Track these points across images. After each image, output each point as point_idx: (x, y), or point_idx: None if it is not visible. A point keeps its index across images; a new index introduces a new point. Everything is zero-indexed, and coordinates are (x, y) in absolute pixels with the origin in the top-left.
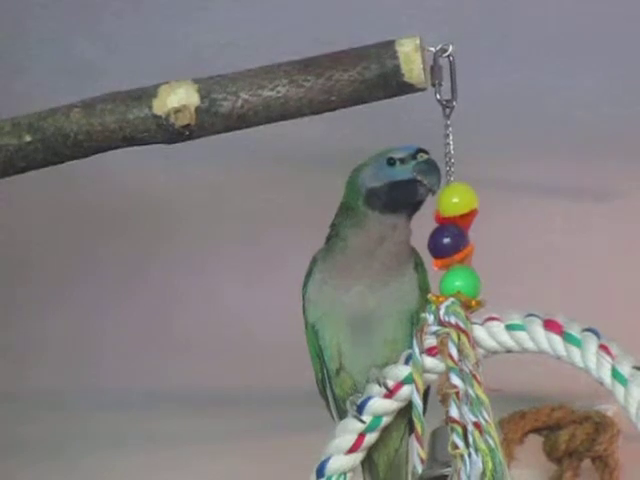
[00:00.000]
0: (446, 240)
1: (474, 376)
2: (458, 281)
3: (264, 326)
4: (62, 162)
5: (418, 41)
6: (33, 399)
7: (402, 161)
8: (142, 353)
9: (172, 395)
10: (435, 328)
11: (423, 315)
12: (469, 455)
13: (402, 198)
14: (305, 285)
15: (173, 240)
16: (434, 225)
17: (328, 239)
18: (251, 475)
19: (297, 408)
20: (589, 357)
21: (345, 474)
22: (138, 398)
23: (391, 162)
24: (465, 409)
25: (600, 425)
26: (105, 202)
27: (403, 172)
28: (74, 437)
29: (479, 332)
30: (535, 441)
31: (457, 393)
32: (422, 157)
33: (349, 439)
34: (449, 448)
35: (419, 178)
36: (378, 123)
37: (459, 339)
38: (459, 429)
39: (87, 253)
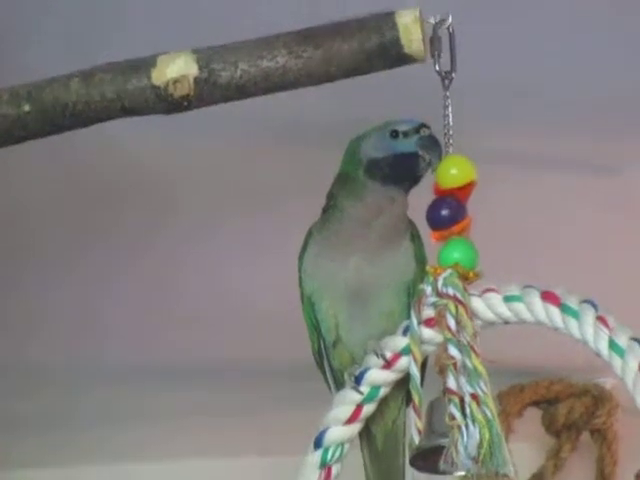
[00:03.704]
0: (444, 212)
1: (472, 347)
2: (456, 253)
3: (265, 299)
4: (61, 132)
5: (418, 13)
6: (31, 373)
7: (405, 134)
8: (143, 326)
9: (173, 368)
10: (433, 299)
11: (421, 287)
12: (466, 426)
13: (403, 171)
14: (301, 257)
15: (175, 213)
16: (432, 197)
17: (325, 210)
18: (251, 447)
19: (297, 380)
20: (586, 329)
21: (343, 445)
22: (138, 371)
23: (394, 135)
24: (462, 380)
25: (599, 398)
26: (108, 175)
27: (406, 145)
28: (73, 411)
29: (477, 303)
30: (534, 414)
31: (454, 364)
32: (425, 132)
33: (347, 410)
34: (446, 419)
35: (421, 153)
36: (377, 95)
37: (457, 311)
38: (456, 400)
39: (88, 226)
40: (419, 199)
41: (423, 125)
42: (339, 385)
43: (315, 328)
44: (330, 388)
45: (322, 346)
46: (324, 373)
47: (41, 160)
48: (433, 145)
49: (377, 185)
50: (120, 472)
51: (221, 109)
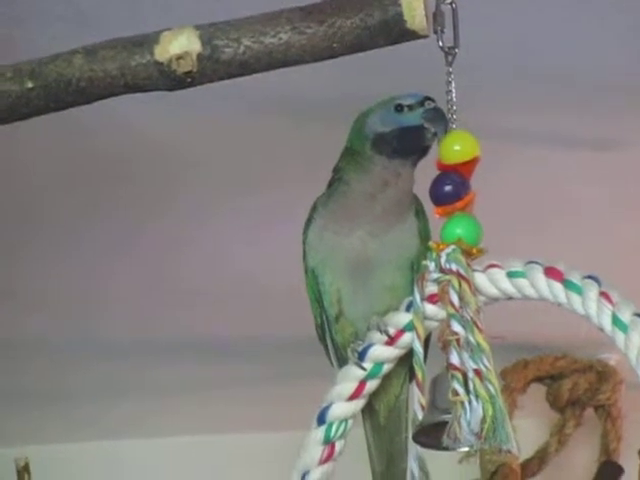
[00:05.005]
0: (447, 188)
1: (475, 323)
2: (459, 229)
3: (268, 274)
4: (64, 109)
5: None
6: (31, 347)
7: (410, 108)
8: (145, 302)
9: (175, 344)
10: (436, 275)
11: (424, 262)
12: (469, 402)
13: (409, 144)
14: (306, 230)
15: (179, 190)
16: (436, 173)
17: (330, 183)
18: (255, 422)
19: (301, 356)
20: (589, 304)
21: (346, 421)
22: (140, 347)
23: (399, 109)
24: (466, 356)
25: (603, 374)
26: (111, 152)
27: (411, 119)
28: (73, 384)
29: (480, 279)
30: (538, 390)
31: (458, 340)
32: (430, 105)
33: (350, 386)
34: (449, 395)
35: (427, 125)
36: (381, 71)
37: (460, 286)
38: (459, 376)
39: (91, 202)
40: (424, 176)
41: (428, 98)
42: (341, 360)
43: (318, 302)
44: (332, 363)
45: (325, 320)
46: (326, 347)
47: (46, 135)
48: (438, 117)
49: (383, 159)
50: (120, 447)
51: (225, 86)
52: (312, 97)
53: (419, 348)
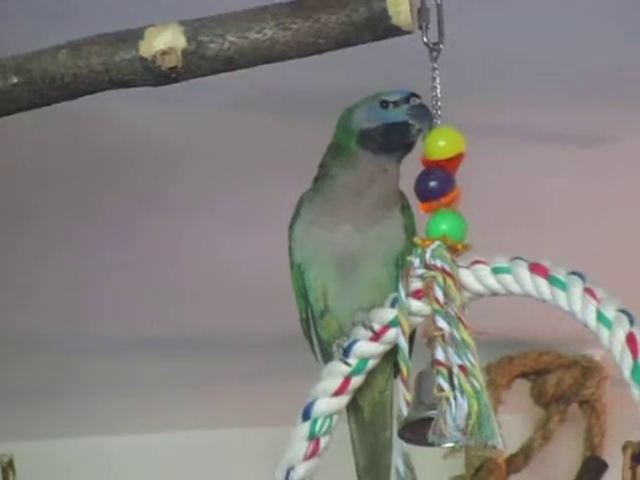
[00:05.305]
0: (432, 183)
1: (460, 319)
2: (444, 225)
3: (257, 270)
4: (49, 104)
5: None
6: (19, 342)
7: (395, 104)
8: (133, 297)
9: (164, 339)
10: (421, 271)
11: (409, 258)
12: (454, 397)
13: (394, 140)
14: (292, 225)
15: (168, 185)
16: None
17: (316, 179)
18: (242, 417)
19: (287, 352)
20: (574, 300)
21: (331, 417)
22: (128, 342)
23: (384, 105)
24: (451, 352)
25: (588, 370)
26: (98, 147)
27: (396, 115)
28: (61, 380)
29: (465, 275)
30: (523, 386)
31: (443, 336)
32: (415, 101)
33: (335, 382)
34: (434, 391)
35: (412, 122)
36: (366, 66)
37: (445, 282)
38: (445, 372)
39: (81, 196)
40: (409, 171)
41: (413, 94)
42: (326, 355)
43: (303, 297)
44: (317, 358)
45: (310, 316)
46: (311, 343)
47: (36, 129)
48: (423, 114)
49: (369, 155)
50: (107, 443)
51: (214, 81)
52: (298, 93)
53: (404, 344)
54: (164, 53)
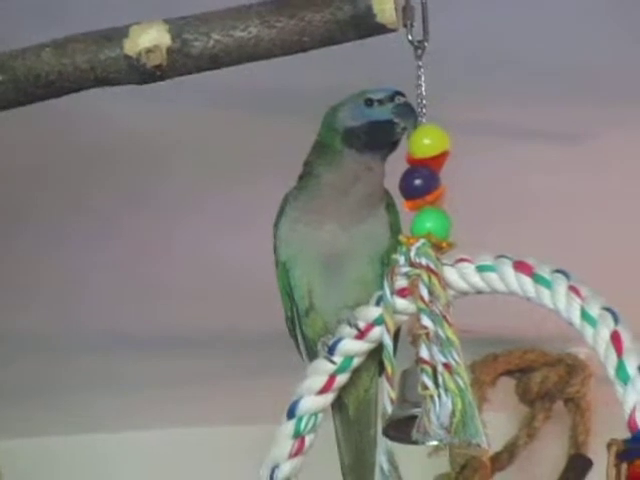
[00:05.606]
0: (417, 181)
1: (444, 317)
2: (429, 223)
3: (245, 268)
4: (34, 102)
5: None
6: (12, 341)
7: (380, 102)
8: (123, 296)
9: (155, 337)
10: (406, 269)
11: (394, 256)
12: (439, 396)
13: (379, 138)
14: (277, 224)
15: (159, 183)
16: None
17: (301, 177)
18: (232, 415)
19: (279, 350)
20: (558, 298)
21: (316, 415)
22: (117, 341)
23: (369, 103)
24: (435, 350)
25: (572, 368)
26: (87, 145)
27: (381, 113)
28: (57, 379)
29: (450, 273)
30: (507, 384)
31: (427, 334)
32: (400, 100)
33: (320, 380)
34: (419, 389)
35: (396, 120)
36: (351, 64)
37: (430, 280)
38: (429, 370)
39: (72, 194)
40: (393, 169)
41: (398, 93)
42: (311, 353)
43: (289, 296)
44: (302, 356)
45: (295, 314)
46: (296, 341)
47: (25, 126)
48: (408, 112)
49: (354, 153)
50: (99, 441)
51: (203, 81)
52: (283, 91)
53: (389, 342)
54: (149, 51)
